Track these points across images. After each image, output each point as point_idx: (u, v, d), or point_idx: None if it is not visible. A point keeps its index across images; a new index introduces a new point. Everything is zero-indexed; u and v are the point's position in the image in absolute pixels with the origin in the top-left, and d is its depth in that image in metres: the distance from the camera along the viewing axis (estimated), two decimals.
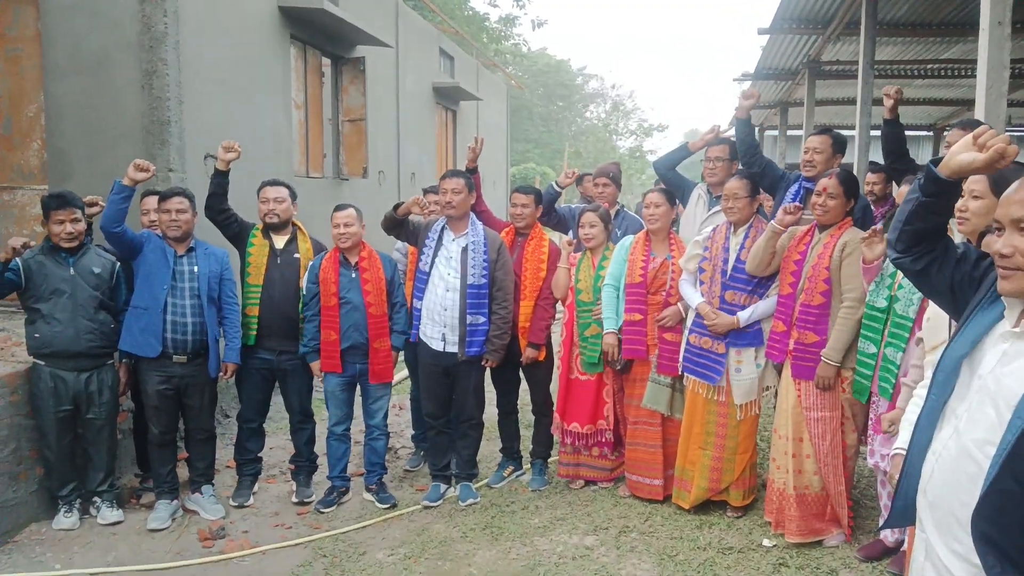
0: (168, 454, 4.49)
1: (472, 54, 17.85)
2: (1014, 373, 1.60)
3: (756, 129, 19.93)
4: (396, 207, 4.52)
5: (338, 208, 4.59)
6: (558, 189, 5.15)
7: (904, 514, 1.84)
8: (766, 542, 4.01)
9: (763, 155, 4.78)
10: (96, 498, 4.41)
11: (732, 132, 4.98)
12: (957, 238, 3.14)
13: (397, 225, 4.58)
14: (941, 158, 1.85)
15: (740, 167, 4.76)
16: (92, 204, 4.48)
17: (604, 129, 45.07)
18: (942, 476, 1.70)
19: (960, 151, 1.77)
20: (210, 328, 4.38)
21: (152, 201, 4.64)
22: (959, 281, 1.87)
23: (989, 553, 1.58)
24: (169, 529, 4.31)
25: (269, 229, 4.63)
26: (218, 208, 4.55)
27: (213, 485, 4.65)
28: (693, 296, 4.31)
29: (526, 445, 5.18)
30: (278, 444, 5.55)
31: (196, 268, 4.38)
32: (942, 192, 1.85)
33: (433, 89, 13.34)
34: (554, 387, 5.00)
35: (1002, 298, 1.69)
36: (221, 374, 4.50)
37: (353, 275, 4.50)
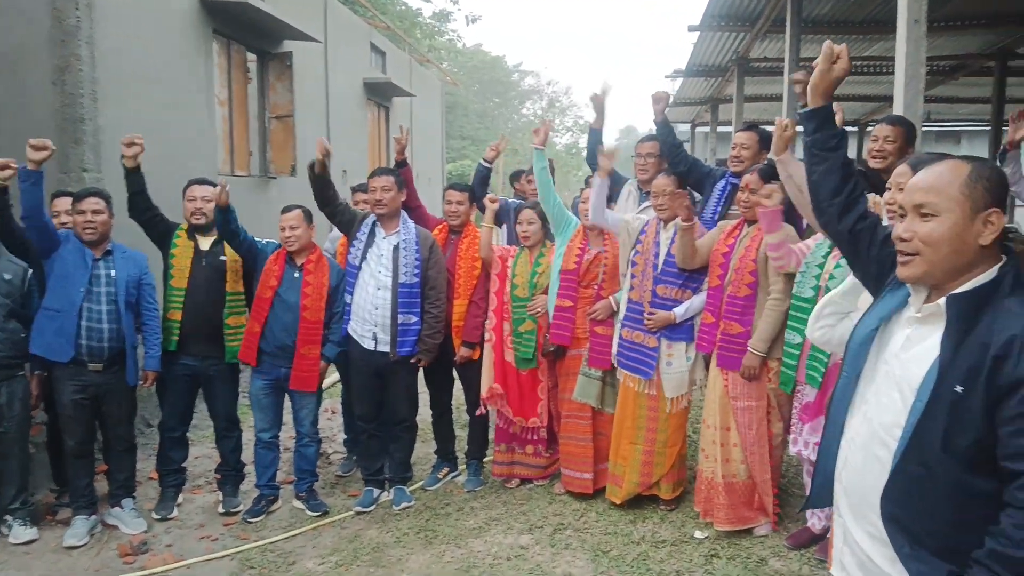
0: (85, 466, 4.28)
1: (405, 50, 17.66)
2: (917, 358, 1.64)
3: (691, 125, 20.29)
4: (311, 166, 4.42)
5: (285, 210, 4.45)
6: (487, 165, 5.13)
7: (822, 493, 1.87)
8: (698, 534, 4.05)
9: (687, 154, 4.82)
10: (8, 516, 4.18)
11: (606, 87, 4.92)
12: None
13: (323, 188, 4.46)
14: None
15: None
16: (3, 167, 4.08)
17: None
18: (855, 461, 1.74)
19: (810, 81, 1.95)
20: (128, 334, 4.20)
21: (63, 202, 4.43)
22: (883, 260, 1.90)
23: (898, 534, 1.62)
24: (88, 545, 4.12)
25: (195, 230, 4.46)
26: (142, 207, 4.36)
27: (134, 498, 4.46)
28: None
29: (461, 446, 5.13)
30: (203, 453, 5.37)
31: (113, 272, 4.19)
32: (821, 122, 1.97)
33: (364, 85, 13.14)
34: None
35: (908, 285, 1.72)
36: (141, 382, 4.32)
37: (296, 275, 4.37)
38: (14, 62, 5.43)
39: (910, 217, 1.66)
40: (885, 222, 3.16)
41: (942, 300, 1.62)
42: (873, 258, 1.92)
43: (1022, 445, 1.47)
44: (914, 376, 1.62)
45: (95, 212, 4.14)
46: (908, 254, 1.65)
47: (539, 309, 4.60)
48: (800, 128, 2.06)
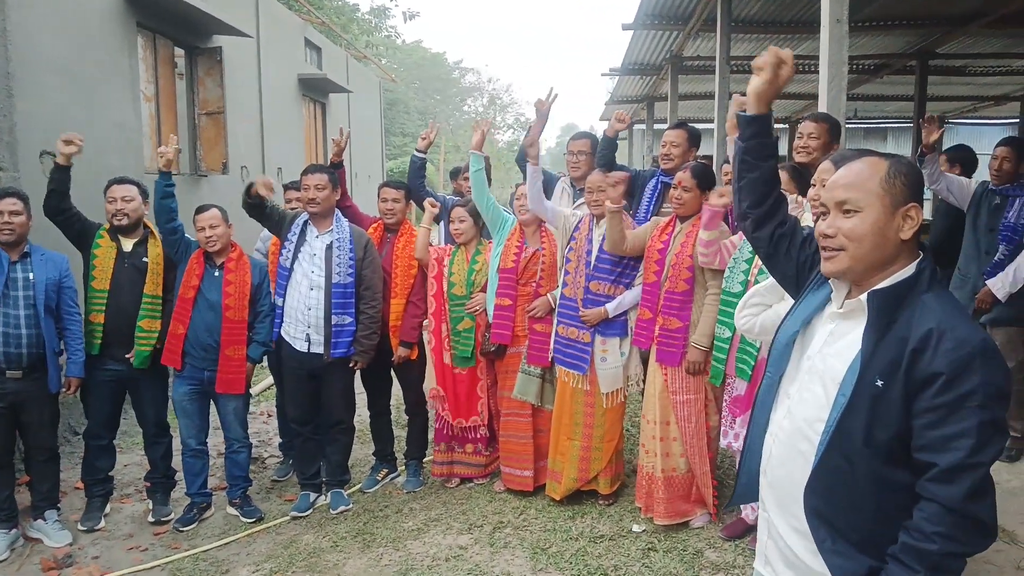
0: (4, 478, 4.10)
1: (341, 45, 17.42)
2: (839, 353, 1.67)
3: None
4: (248, 189, 4.32)
5: (200, 210, 4.32)
6: (421, 155, 5.08)
7: (748, 490, 1.89)
8: (635, 527, 4.09)
9: (616, 166, 4.83)
10: None
11: (552, 96, 4.85)
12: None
13: (255, 208, 4.38)
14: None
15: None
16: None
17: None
18: (778, 456, 1.77)
19: (752, 83, 1.88)
20: (48, 340, 4.02)
21: None
22: (803, 263, 1.93)
23: (821, 527, 1.64)
24: (8, 560, 3.95)
25: (117, 231, 4.31)
26: (59, 207, 4.18)
27: (59, 509, 4.29)
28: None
29: (400, 446, 5.08)
30: (132, 461, 5.20)
31: (31, 275, 4.01)
32: (756, 131, 1.93)
33: (299, 81, 12.91)
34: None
35: (829, 280, 1.75)
36: (64, 389, 4.16)
37: (216, 273, 4.26)
38: None
39: (833, 214, 1.69)
40: (808, 219, 3.24)
41: (863, 295, 1.65)
42: (792, 260, 1.95)
43: (934, 437, 1.51)
44: (836, 371, 1.65)
45: (12, 213, 3.97)
46: (832, 249, 1.67)
47: (478, 307, 4.59)
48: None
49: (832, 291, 1.76)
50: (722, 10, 8.06)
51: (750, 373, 3.62)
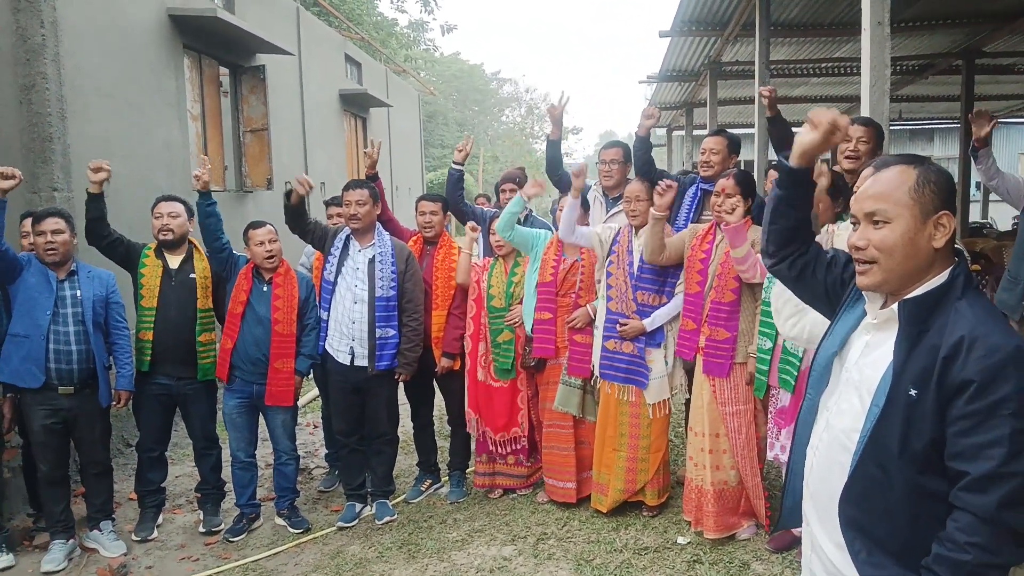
0: (60, 491, 4.22)
1: (381, 60, 17.65)
2: (874, 363, 1.65)
3: (667, 130, 20.38)
4: (288, 194, 4.39)
5: (255, 225, 4.40)
6: (458, 167, 5.07)
7: (793, 512, 1.87)
8: (680, 539, 4.05)
9: (656, 169, 4.80)
10: None
11: (564, 99, 4.91)
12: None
13: (297, 217, 4.45)
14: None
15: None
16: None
17: (520, 133, 45.31)
18: (819, 468, 1.75)
19: (801, 136, 1.82)
20: (98, 355, 4.14)
21: (30, 223, 4.37)
22: (831, 284, 1.91)
23: (856, 538, 1.62)
24: (66, 570, 4.06)
25: (163, 247, 4.42)
26: (100, 234, 4.28)
27: (113, 520, 4.41)
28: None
29: (443, 457, 5.11)
30: (183, 472, 5.32)
31: (79, 293, 4.13)
32: (796, 183, 1.88)
33: (340, 96, 13.12)
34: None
35: (863, 293, 1.73)
36: (114, 403, 4.27)
37: (264, 288, 4.34)
38: None
39: (863, 225, 1.67)
40: (842, 242, 3.18)
41: (895, 305, 1.63)
42: (819, 282, 1.93)
43: (966, 445, 1.48)
44: (871, 380, 1.63)
45: (55, 232, 4.07)
46: (865, 262, 1.66)
47: (516, 320, 4.60)
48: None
49: (866, 303, 1.74)
50: (760, 14, 8.00)
51: (793, 384, 3.57)
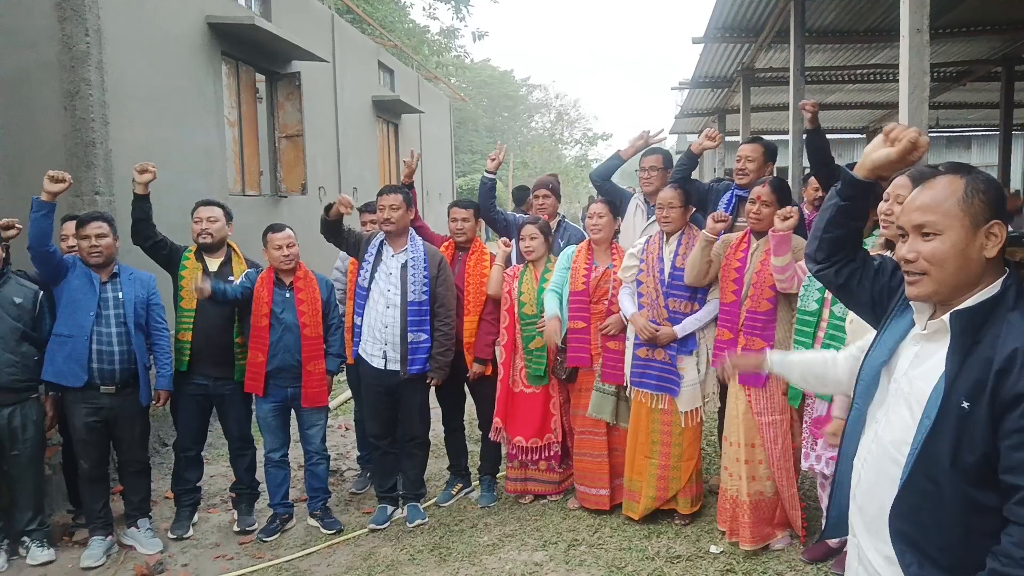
0: (100, 489, 4.31)
1: (413, 67, 17.78)
2: (924, 374, 1.63)
3: (694, 136, 20.28)
4: (327, 208, 4.45)
5: (275, 229, 4.46)
6: (491, 176, 5.07)
7: (839, 524, 1.86)
8: (713, 548, 4.02)
9: (692, 183, 4.80)
10: (25, 537, 4.21)
11: (662, 135, 5.00)
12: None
13: (334, 230, 4.51)
14: (855, 162, 1.88)
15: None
16: (8, 227, 4.23)
17: (550, 139, 45.33)
18: (867, 480, 1.73)
19: (873, 150, 1.79)
20: (139, 356, 4.23)
21: (72, 226, 4.47)
22: (878, 292, 1.89)
23: (907, 551, 1.60)
24: (104, 566, 4.14)
25: (202, 251, 4.51)
26: (145, 234, 4.40)
27: (150, 518, 4.49)
28: (628, 306, 4.32)
29: (474, 461, 5.12)
30: (218, 472, 5.40)
31: (121, 294, 4.22)
32: (859, 195, 1.86)
33: (373, 103, 13.23)
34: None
35: (911, 303, 1.72)
36: (154, 402, 4.35)
37: (287, 295, 4.40)
38: (23, 87, 5.50)
39: (912, 237, 1.65)
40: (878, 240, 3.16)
41: (946, 316, 1.61)
42: (866, 290, 1.91)
43: (1019, 459, 1.46)
44: (922, 392, 1.61)
45: (99, 236, 4.17)
46: (915, 274, 1.64)
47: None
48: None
49: (915, 312, 1.72)
50: (795, 21, 7.95)
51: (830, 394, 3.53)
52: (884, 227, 2.87)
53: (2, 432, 4.05)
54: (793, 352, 2.34)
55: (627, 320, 4.32)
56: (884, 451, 1.68)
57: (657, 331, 4.17)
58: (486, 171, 5.10)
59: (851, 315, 3.19)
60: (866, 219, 1.92)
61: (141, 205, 4.35)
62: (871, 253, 3.06)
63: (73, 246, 4.36)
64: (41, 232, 3.95)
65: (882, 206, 2.98)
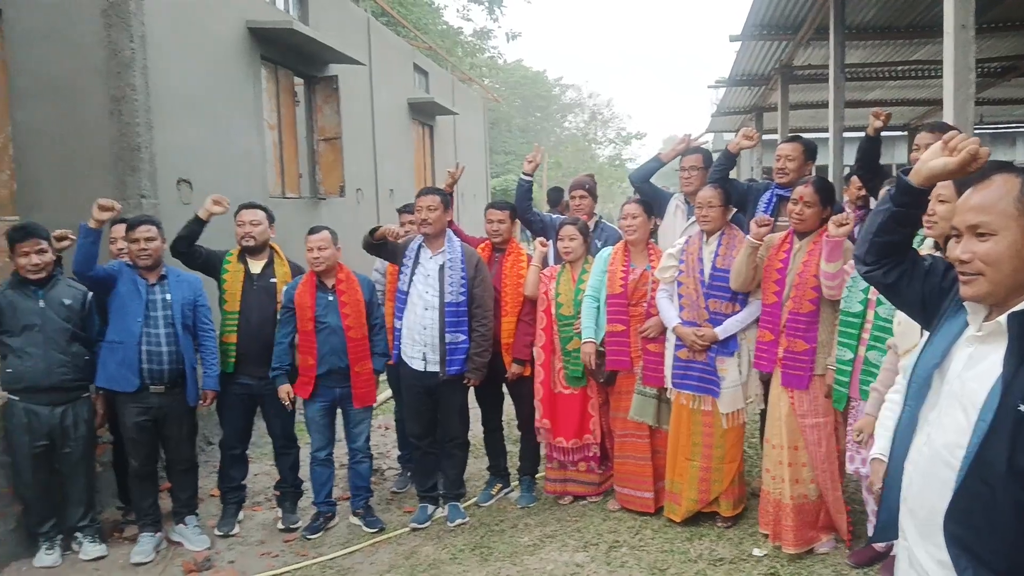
0: (149, 486, 4.40)
1: (447, 68, 17.87)
2: (978, 377, 1.60)
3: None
4: (373, 231, 4.49)
5: (312, 231, 4.53)
6: (528, 178, 5.07)
7: (888, 527, 1.84)
8: (756, 551, 3.99)
9: (731, 182, 4.77)
10: (77, 533, 4.32)
11: (704, 139, 5.00)
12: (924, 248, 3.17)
13: (375, 247, 4.56)
14: (911, 167, 1.85)
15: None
16: (62, 238, 4.32)
17: (583, 139, 45.25)
18: (919, 483, 1.71)
19: (931, 158, 1.76)
20: (186, 356, 4.31)
21: (121, 229, 4.57)
22: (929, 293, 1.87)
23: (961, 556, 1.58)
24: (153, 562, 4.22)
25: (245, 253, 4.58)
26: (185, 249, 4.48)
27: (197, 515, 4.57)
28: (670, 312, 4.30)
29: (513, 462, 5.14)
30: (262, 470, 5.48)
31: (169, 296, 4.30)
32: (913, 202, 1.85)
33: (408, 105, 13.33)
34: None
35: (965, 304, 1.69)
36: (201, 401, 4.44)
37: (330, 298, 4.45)
38: (73, 93, 5.65)
39: (966, 237, 1.63)
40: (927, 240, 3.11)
41: (1003, 318, 1.58)
42: (916, 291, 1.90)
43: None
44: (977, 395, 1.58)
45: (148, 239, 4.25)
46: (970, 274, 1.62)
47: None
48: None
49: (969, 314, 1.70)
50: (835, 17, 7.85)
51: None
52: (927, 228, 2.82)
53: (55, 430, 4.16)
54: (881, 431, 2.35)
55: (669, 328, 4.29)
56: (936, 454, 1.66)
57: (701, 336, 4.14)
58: (523, 173, 5.10)
59: (899, 316, 3.15)
60: (918, 226, 1.90)
61: (197, 228, 4.44)
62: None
63: (123, 248, 4.46)
64: (87, 258, 4.03)
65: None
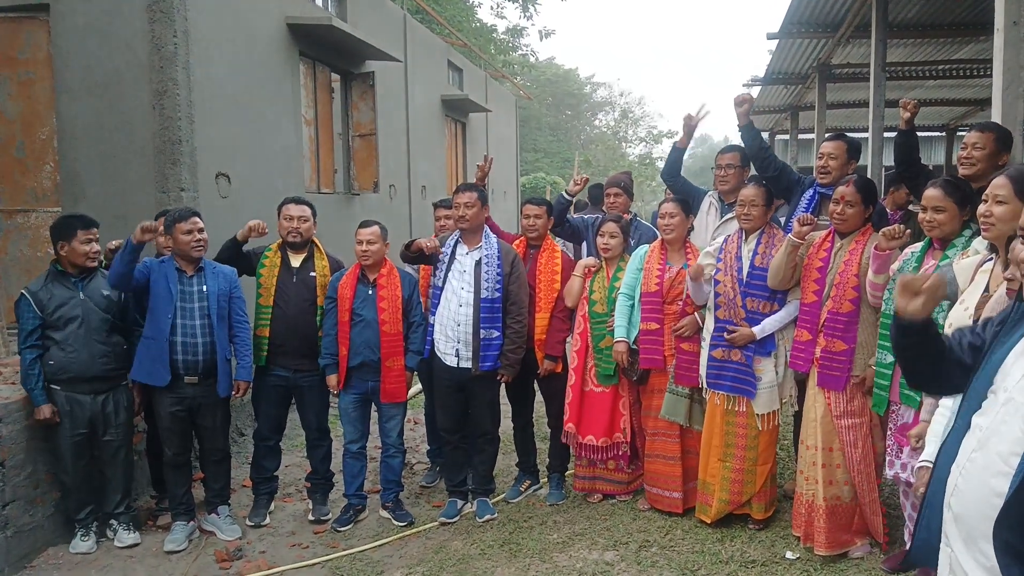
0: (183, 475, 4.47)
1: (480, 66, 17.88)
2: None
3: (770, 133, 19.86)
4: (408, 245, 4.51)
5: (363, 225, 4.56)
6: (568, 198, 5.03)
7: (926, 547, 1.82)
8: (789, 554, 3.94)
9: (776, 158, 4.68)
10: (113, 520, 4.41)
11: (704, 110, 4.88)
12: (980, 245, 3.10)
13: (414, 258, 4.58)
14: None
15: (753, 173, 4.71)
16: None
17: (613, 137, 45.04)
18: (968, 489, 1.69)
19: (905, 305, 1.86)
20: (220, 347, 4.36)
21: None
22: (964, 363, 1.93)
23: (1013, 564, 1.56)
24: (186, 551, 4.29)
25: (287, 247, 4.62)
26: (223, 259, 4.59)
27: (229, 505, 4.63)
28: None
29: (543, 458, 5.13)
30: (294, 462, 5.53)
31: (205, 287, 4.36)
32: (918, 332, 1.91)
33: (442, 102, 13.36)
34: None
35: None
36: (234, 393, 4.49)
37: (370, 292, 4.47)
38: (117, 87, 5.74)
39: None
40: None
41: None
42: (954, 374, 1.96)
43: None
44: None
45: (201, 230, 4.33)
46: None
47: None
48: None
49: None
50: (877, 15, 7.71)
51: (919, 400, 3.41)
52: (985, 230, 2.75)
53: (96, 418, 4.24)
54: (931, 438, 2.40)
55: (707, 321, 4.26)
56: (990, 462, 1.63)
57: (734, 332, 4.10)
58: (567, 192, 5.02)
59: (949, 319, 3.08)
60: (940, 348, 1.93)
61: (237, 249, 4.56)
62: (961, 263, 2.97)
63: (170, 246, 4.43)
64: (124, 274, 4.12)
65: (980, 208, 2.86)
